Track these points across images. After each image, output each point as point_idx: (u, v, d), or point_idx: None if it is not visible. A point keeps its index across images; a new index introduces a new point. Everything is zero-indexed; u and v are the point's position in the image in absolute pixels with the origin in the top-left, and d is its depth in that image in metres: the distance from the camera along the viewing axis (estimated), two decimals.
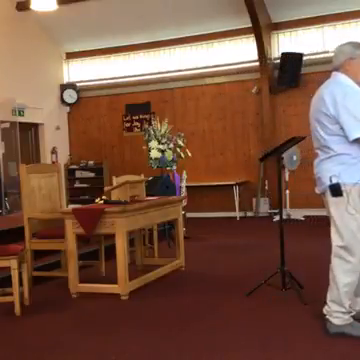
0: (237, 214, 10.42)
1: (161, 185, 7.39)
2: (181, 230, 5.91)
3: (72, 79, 12.16)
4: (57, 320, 4.16)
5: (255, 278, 4.74)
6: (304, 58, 9.99)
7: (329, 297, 3.47)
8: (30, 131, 11.31)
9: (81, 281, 4.83)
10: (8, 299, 4.33)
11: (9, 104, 9.97)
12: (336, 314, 3.43)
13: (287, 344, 3.37)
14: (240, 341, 3.47)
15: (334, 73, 3.59)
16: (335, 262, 3.43)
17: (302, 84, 10.18)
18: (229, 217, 10.47)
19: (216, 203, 10.87)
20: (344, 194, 3.34)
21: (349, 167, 3.34)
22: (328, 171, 3.40)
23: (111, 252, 5.02)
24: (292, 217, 9.56)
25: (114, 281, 4.70)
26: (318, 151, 3.52)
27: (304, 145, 9.85)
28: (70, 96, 11.91)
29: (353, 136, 3.29)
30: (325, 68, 10.07)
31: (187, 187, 8.34)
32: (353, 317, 3.47)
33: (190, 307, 4.34)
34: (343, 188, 3.34)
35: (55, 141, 11.65)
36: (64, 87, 11.94)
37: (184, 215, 7.27)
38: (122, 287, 4.64)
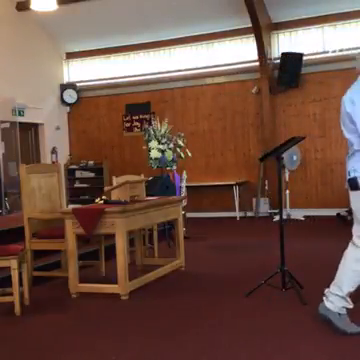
0: (237, 214, 10.43)
1: (161, 185, 7.39)
2: (181, 230, 5.91)
3: (72, 79, 12.16)
4: (57, 320, 4.16)
5: (255, 278, 4.74)
6: (304, 58, 9.99)
7: (334, 280, 3.55)
8: (30, 131, 11.30)
9: (81, 281, 4.82)
10: (8, 299, 4.33)
11: (9, 104, 9.97)
12: (331, 297, 3.50)
13: (287, 344, 3.37)
14: (240, 341, 3.47)
15: (359, 77, 3.67)
16: (350, 249, 3.59)
17: (302, 84, 10.19)
18: (229, 217, 10.47)
19: (216, 203, 10.87)
20: None
21: None
22: (349, 166, 3.55)
23: (111, 252, 5.02)
24: (292, 217, 9.56)
25: (114, 281, 4.70)
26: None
27: (304, 145, 9.89)
28: (70, 96, 11.91)
29: None
30: (325, 68, 10.14)
31: (187, 187, 8.34)
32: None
33: (190, 307, 4.33)
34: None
35: (55, 141, 11.65)
36: (64, 87, 11.94)
37: (184, 215, 7.27)
38: (122, 287, 4.64)
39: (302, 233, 8.13)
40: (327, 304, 3.53)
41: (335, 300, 3.50)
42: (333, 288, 3.53)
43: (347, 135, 3.58)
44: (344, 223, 8.80)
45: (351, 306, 3.52)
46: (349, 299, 3.51)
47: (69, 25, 11.12)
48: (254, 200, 10.58)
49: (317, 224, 8.83)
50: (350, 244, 3.59)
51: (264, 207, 10.38)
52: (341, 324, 3.46)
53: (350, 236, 3.62)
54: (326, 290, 3.58)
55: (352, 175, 3.48)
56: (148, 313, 4.24)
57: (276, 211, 9.41)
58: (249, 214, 10.64)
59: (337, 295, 3.49)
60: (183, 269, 5.76)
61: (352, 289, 3.50)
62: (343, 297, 3.48)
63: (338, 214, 9.09)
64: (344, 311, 3.50)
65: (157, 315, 4.17)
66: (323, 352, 3.22)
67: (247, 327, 3.72)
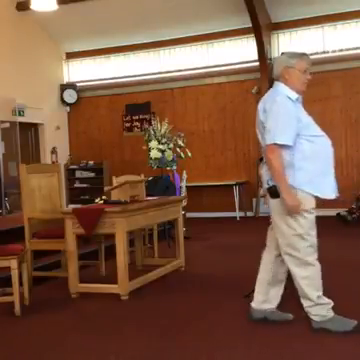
0: (237, 214, 10.43)
1: (161, 185, 7.39)
2: (181, 230, 5.91)
3: (72, 79, 12.17)
4: (57, 320, 4.16)
5: (255, 278, 4.72)
6: None
7: (300, 295, 3.61)
8: (30, 131, 11.31)
9: (81, 281, 4.82)
10: (8, 299, 4.32)
11: (9, 104, 9.97)
12: (311, 310, 3.53)
13: (287, 344, 3.37)
14: (240, 341, 3.47)
15: (275, 83, 3.67)
16: (287, 260, 3.62)
17: None
18: (229, 217, 10.47)
19: (216, 203, 10.87)
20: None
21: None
22: (266, 175, 3.56)
23: (111, 252, 5.02)
24: None
25: (114, 281, 4.70)
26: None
27: None
28: (70, 96, 11.92)
29: (270, 141, 3.41)
30: (325, 68, 10.14)
31: (187, 187, 8.34)
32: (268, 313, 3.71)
33: (190, 307, 4.33)
34: (279, 190, 3.45)
35: (55, 141, 11.65)
36: (64, 87, 11.94)
37: (184, 215, 7.27)
38: (122, 287, 4.64)
39: None
40: (314, 318, 3.53)
41: (315, 310, 3.51)
42: (305, 302, 3.55)
43: (262, 143, 3.58)
44: (344, 223, 8.80)
45: (331, 303, 3.54)
46: (325, 299, 3.53)
47: (69, 25, 11.13)
48: (254, 200, 10.58)
49: (317, 224, 8.80)
50: (285, 258, 3.58)
51: (264, 207, 10.34)
52: (338, 326, 3.45)
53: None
54: (305, 309, 3.58)
55: (271, 184, 3.49)
56: (148, 313, 4.24)
57: None
58: (249, 214, 10.64)
59: (312, 306, 3.51)
60: (183, 269, 5.76)
61: (319, 292, 3.51)
62: (318, 304, 3.50)
63: (338, 214, 9.09)
64: (332, 313, 3.51)
65: (157, 315, 4.17)
66: (323, 352, 3.22)
67: (247, 327, 3.72)
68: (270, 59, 10.41)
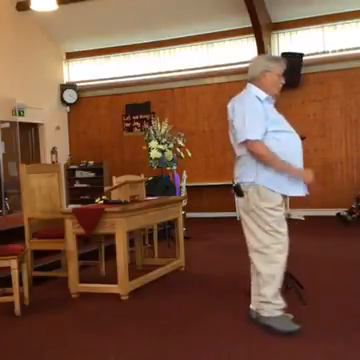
0: (237, 214, 10.41)
1: (161, 185, 7.39)
2: (181, 230, 5.91)
3: (72, 79, 12.17)
4: (57, 320, 4.16)
5: None
6: (304, 58, 9.99)
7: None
8: (30, 131, 11.30)
9: (81, 281, 4.82)
10: (8, 299, 4.32)
11: (9, 104, 9.97)
12: (261, 305, 3.61)
13: (287, 344, 3.37)
14: (240, 341, 3.47)
15: (248, 84, 3.74)
16: (253, 257, 3.68)
17: (302, 84, 10.18)
18: (229, 217, 10.46)
19: (216, 203, 10.87)
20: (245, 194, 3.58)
21: (248, 168, 3.56)
22: (235, 173, 3.68)
23: (111, 252, 5.02)
24: (292, 217, 9.54)
25: (114, 281, 4.70)
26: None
27: (304, 145, 9.87)
28: (70, 96, 11.91)
29: (242, 139, 3.54)
30: (325, 68, 10.14)
31: (187, 187, 8.34)
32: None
33: (190, 307, 4.34)
34: (243, 188, 3.57)
35: (55, 141, 11.65)
36: (64, 87, 11.94)
37: (184, 215, 7.27)
38: (122, 287, 4.64)
39: (302, 233, 8.12)
40: (263, 314, 3.59)
41: (266, 307, 3.57)
42: (260, 297, 3.60)
43: (233, 142, 3.73)
44: (344, 223, 8.80)
45: (284, 304, 3.58)
46: (279, 299, 3.57)
47: (69, 25, 11.12)
48: None
49: (317, 224, 8.82)
50: (253, 256, 3.63)
51: None
52: (282, 326, 3.50)
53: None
54: (258, 301, 3.64)
55: (236, 182, 3.61)
56: (148, 313, 4.24)
57: None
58: None
59: (265, 303, 3.57)
60: (183, 269, 5.76)
61: (275, 291, 3.55)
62: (271, 303, 3.54)
63: (338, 214, 9.09)
64: (280, 312, 3.56)
65: (157, 315, 4.17)
66: (323, 352, 3.22)
67: (247, 327, 3.72)
68: None
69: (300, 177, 3.53)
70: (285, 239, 3.59)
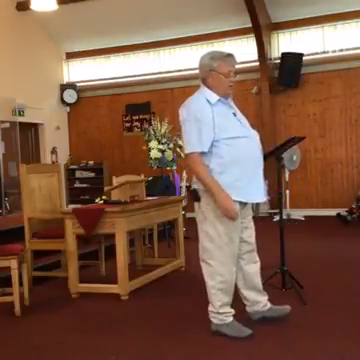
0: None
1: (161, 185, 7.39)
2: (181, 230, 5.91)
3: (72, 79, 12.17)
4: (57, 320, 4.16)
5: None
6: (304, 58, 9.99)
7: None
8: (30, 131, 11.31)
9: (81, 281, 4.83)
10: (8, 299, 4.32)
11: (9, 104, 9.97)
12: (210, 314, 3.58)
13: (287, 344, 3.37)
14: (240, 341, 3.47)
15: (200, 85, 3.52)
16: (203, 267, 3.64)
17: (302, 84, 10.19)
18: None
19: None
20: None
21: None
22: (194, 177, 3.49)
23: (111, 252, 5.02)
24: (292, 217, 9.56)
25: (114, 281, 4.70)
26: None
27: (304, 145, 9.88)
28: (70, 96, 11.91)
29: (186, 151, 3.40)
30: (325, 68, 10.14)
31: (187, 187, 8.33)
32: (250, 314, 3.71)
33: (190, 307, 4.33)
34: (200, 193, 3.40)
35: (55, 141, 11.65)
36: (64, 87, 11.94)
37: (184, 215, 7.26)
38: (122, 287, 4.64)
39: (302, 233, 8.13)
40: (213, 321, 3.55)
41: (215, 316, 3.54)
42: (209, 306, 3.56)
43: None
44: (344, 223, 8.80)
45: (232, 312, 3.56)
46: (227, 308, 3.54)
47: (69, 25, 11.12)
48: None
49: (317, 224, 8.82)
50: (201, 264, 3.56)
51: (264, 207, 10.37)
52: (234, 332, 3.48)
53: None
54: (208, 309, 3.60)
55: (193, 187, 3.45)
56: (148, 313, 4.24)
57: (276, 211, 9.40)
58: None
59: (214, 312, 3.54)
60: (183, 269, 5.76)
61: (222, 302, 3.51)
62: (219, 313, 3.51)
63: (338, 214, 9.09)
64: (230, 318, 3.53)
65: (157, 315, 4.17)
66: (323, 352, 3.22)
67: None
68: (270, 59, 10.42)
69: (221, 207, 3.28)
70: (235, 251, 3.46)
